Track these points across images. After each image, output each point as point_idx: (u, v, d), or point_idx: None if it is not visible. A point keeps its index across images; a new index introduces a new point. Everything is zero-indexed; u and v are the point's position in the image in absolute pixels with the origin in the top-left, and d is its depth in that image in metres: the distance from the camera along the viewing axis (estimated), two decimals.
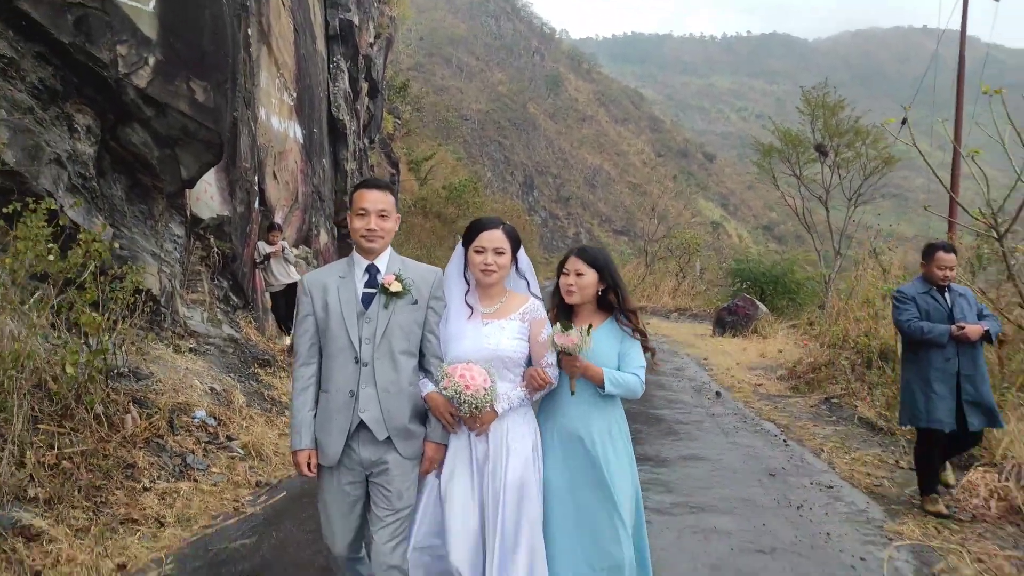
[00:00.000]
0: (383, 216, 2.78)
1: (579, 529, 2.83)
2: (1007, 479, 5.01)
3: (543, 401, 3.01)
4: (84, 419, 4.75)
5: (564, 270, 3.03)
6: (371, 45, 21.91)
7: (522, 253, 3.03)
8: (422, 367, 2.88)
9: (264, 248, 9.95)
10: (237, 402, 6.60)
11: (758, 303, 17.98)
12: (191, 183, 7.41)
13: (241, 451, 5.78)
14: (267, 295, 10.36)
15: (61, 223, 5.35)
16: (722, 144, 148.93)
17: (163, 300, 7.06)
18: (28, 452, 4.18)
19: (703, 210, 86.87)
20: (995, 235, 6.83)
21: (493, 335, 2.83)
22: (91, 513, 4.21)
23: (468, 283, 2.95)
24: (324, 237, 15.33)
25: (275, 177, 11.61)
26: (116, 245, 6.26)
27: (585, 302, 3.01)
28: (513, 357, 2.82)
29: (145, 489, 4.70)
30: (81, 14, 5.70)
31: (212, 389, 6.51)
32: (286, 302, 10.16)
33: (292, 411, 2.84)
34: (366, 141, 22.07)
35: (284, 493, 5.27)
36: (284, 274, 10.09)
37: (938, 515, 4.81)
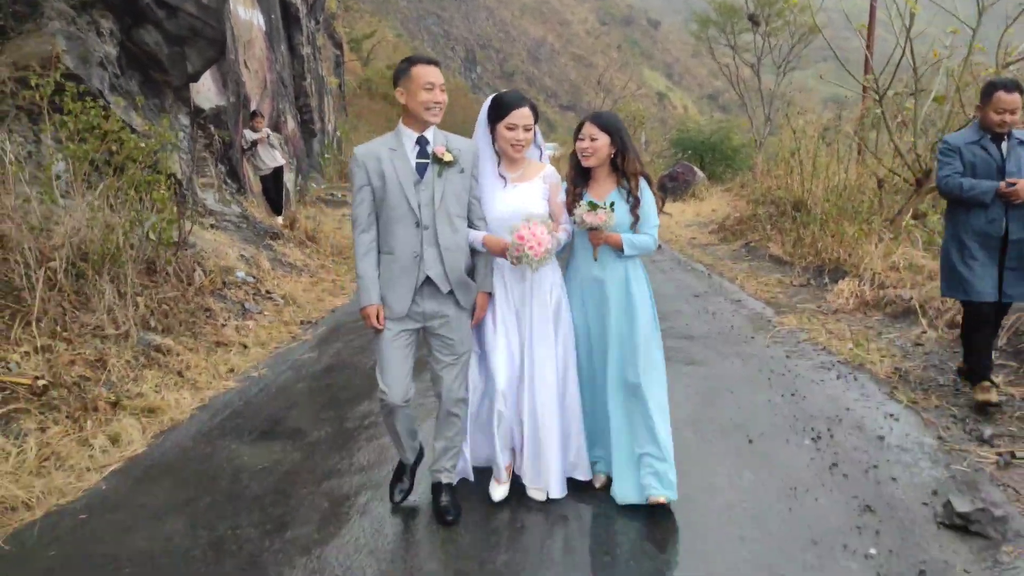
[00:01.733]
0: (443, 89, 2.98)
1: (604, 356, 3.25)
2: (862, 284, 6.83)
3: (569, 259, 3.38)
4: (166, 276, 6.09)
5: (580, 135, 3.24)
6: None
7: (537, 127, 3.30)
8: (470, 227, 3.14)
9: (250, 135, 10.92)
10: (264, 266, 7.96)
11: (696, 169, 19.59)
12: (195, 77, 8.37)
13: (281, 300, 7.23)
14: (256, 178, 11.43)
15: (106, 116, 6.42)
16: (666, 9, 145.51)
17: (184, 183, 8.20)
18: (139, 298, 5.54)
19: (648, 80, 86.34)
20: (876, 94, 8.38)
21: (523, 198, 3.16)
22: (192, 339, 5.65)
23: (497, 155, 3.22)
24: (291, 123, 16.10)
25: (246, 66, 12.32)
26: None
27: (600, 164, 3.24)
28: (540, 214, 3.12)
29: (222, 325, 6.14)
30: None
31: (242, 256, 7.84)
32: (275, 183, 11.29)
33: (358, 272, 3.04)
34: (313, 23, 22.13)
35: (323, 327, 6.80)
36: (271, 158, 11.14)
37: (988, 404, 4.13)
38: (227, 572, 2.86)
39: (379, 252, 3.01)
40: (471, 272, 3.11)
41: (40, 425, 3.94)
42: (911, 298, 6.12)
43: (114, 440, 4.03)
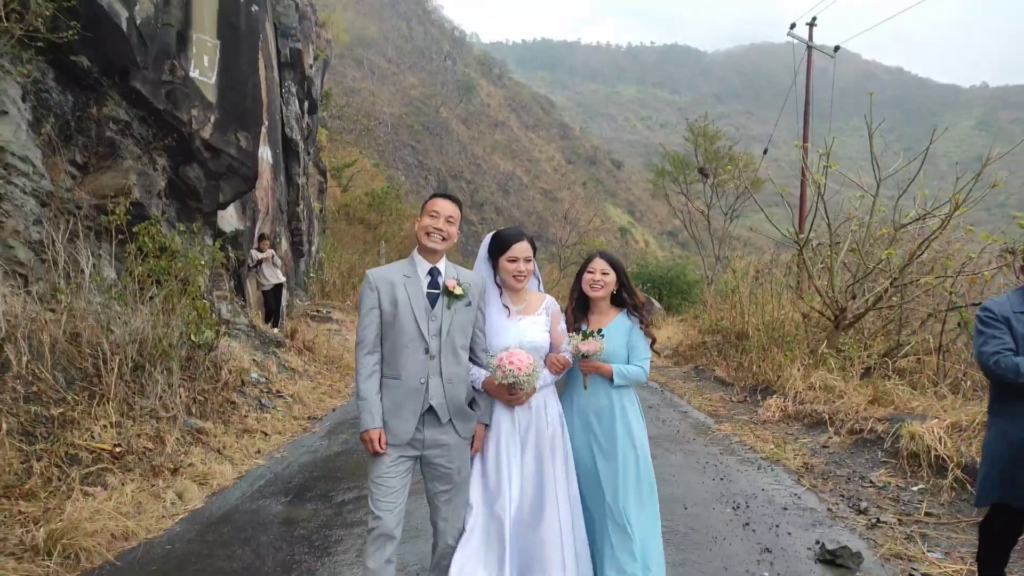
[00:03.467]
0: (450, 221, 3.09)
1: (601, 488, 3.26)
2: (786, 401, 8.15)
3: (564, 388, 3.47)
4: (201, 373, 7.14)
5: (590, 269, 3.42)
6: (310, 67, 24.01)
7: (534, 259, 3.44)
8: (471, 360, 3.20)
9: (256, 255, 12.22)
10: (272, 369, 9.03)
11: (654, 301, 21.36)
12: (224, 206, 9.76)
13: (290, 398, 8.26)
14: (257, 293, 12.62)
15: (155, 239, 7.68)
16: (629, 152, 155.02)
17: (205, 295, 9.36)
18: (181, 389, 6.58)
19: (612, 216, 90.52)
20: (797, 246, 10.08)
21: (527, 329, 3.26)
22: (224, 425, 6.65)
23: (498, 287, 3.35)
24: (284, 243, 17.50)
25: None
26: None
27: (605, 297, 3.43)
28: (543, 346, 3.26)
29: (245, 415, 7.15)
30: (170, 88, 8.03)
31: (253, 360, 8.91)
32: (275, 298, 12.49)
33: (360, 394, 3.00)
34: (306, 155, 24.14)
35: (328, 422, 7.82)
36: (274, 276, 12.41)
37: None
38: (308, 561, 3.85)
39: (382, 376, 3.03)
40: (471, 403, 3.15)
41: (121, 481, 4.91)
42: (823, 411, 7.43)
43: (180, 495, 5.00)
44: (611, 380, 3.29)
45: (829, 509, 5.12)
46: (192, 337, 7.11)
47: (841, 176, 11.00)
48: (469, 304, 3.12)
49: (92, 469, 4.89)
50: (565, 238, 40.18)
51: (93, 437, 5.23)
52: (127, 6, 6.92)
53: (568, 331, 3.35)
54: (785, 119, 18.23)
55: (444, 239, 3.07)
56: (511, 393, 3.12)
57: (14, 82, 6.61)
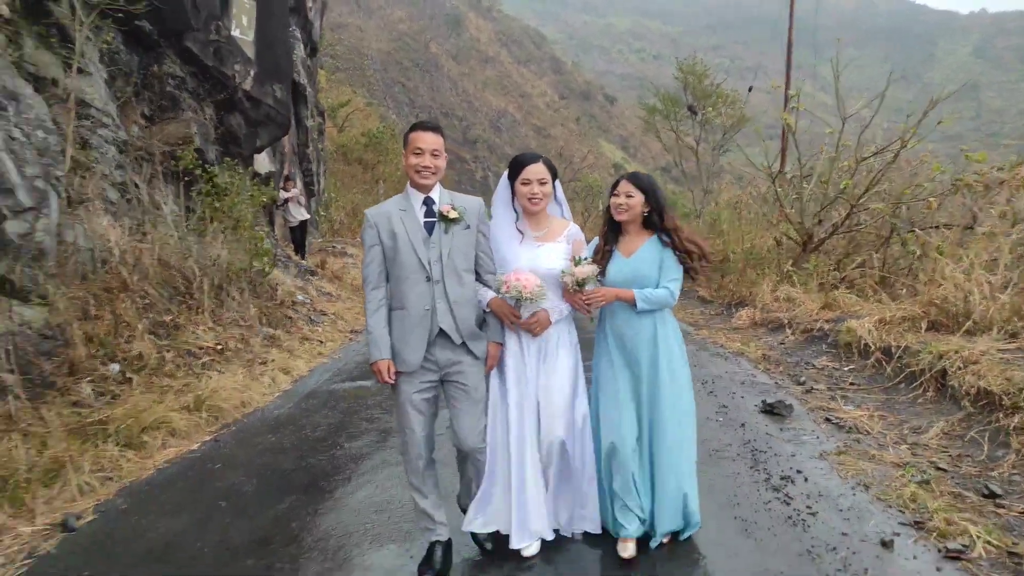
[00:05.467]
0: (435, 155, 3.10)
1: (628, 404, 3.27)
2: (755, 311, 9.59)
3: (599, 318, 3.44)
4: (262, 292, 8.50)
5: (615, 192, 3.33)
6: (311, 9, 24.61)
7: (558, 183, 3.38)
8: (479, 281, 3.24)
9: (283, 194, 13.44)
10: (312, 293, 10.39)
11: None
12: (260, 150, 10.95)
13: (332, 316, 9.66)
14: (285, 228, 13.89)
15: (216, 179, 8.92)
16: (622, 86, 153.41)
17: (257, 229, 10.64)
18: (250, 306, 7.94)
19: (605, 152, 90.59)
20: (770, 178, 11.36)
21: (545, 256, 3.23)
22: (287, 335, 8.05)
23: (516, 212, 3.32)
24: (299, 183, 18.64)
25: None
26: None
27: (633, 220, 3.32)
28: (556, 272, 3.20)
29: (300, 328, 8.55)
30: (217, 46, 9.12)
31: (296, 285, 10.26)
32: (300, 233, 13.77)
33: (368, 328, 3.09)
34: (312, 97, 24.95)
35: (362, 336, 9.23)
36: (300, 213, 13.67)
37: None
38: (380, 420, 5.30)
39: (390, 309, 3.12)
40: (481, 324, 3.22)
41: (226, 370, 6.32)
42: (783, 317, 8.87)
43: (273, 380, 6.44)
44: (635, 306, 3.23)
45: (776, 383, 6.58)
46: (254, 263, 8.44)
47: (832, 108, 12.19)
48: (468, 227, 3.18)
49: (204, 360, 6.29)
50: (560, 175, 41.07)
51: (198, 337, 6.62)
52: None
53: (585, 258, 3.24)
54: (779, 51, 19.12)
55: (434, 173, 3.12)
56: (520, 318, 3.16)
57: (93, 47, 7.73)
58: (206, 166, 8.58)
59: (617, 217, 3.33)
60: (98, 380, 5.16)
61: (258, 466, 4.58)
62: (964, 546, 3.36)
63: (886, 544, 3.42)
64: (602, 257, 3.35)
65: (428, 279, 3.08)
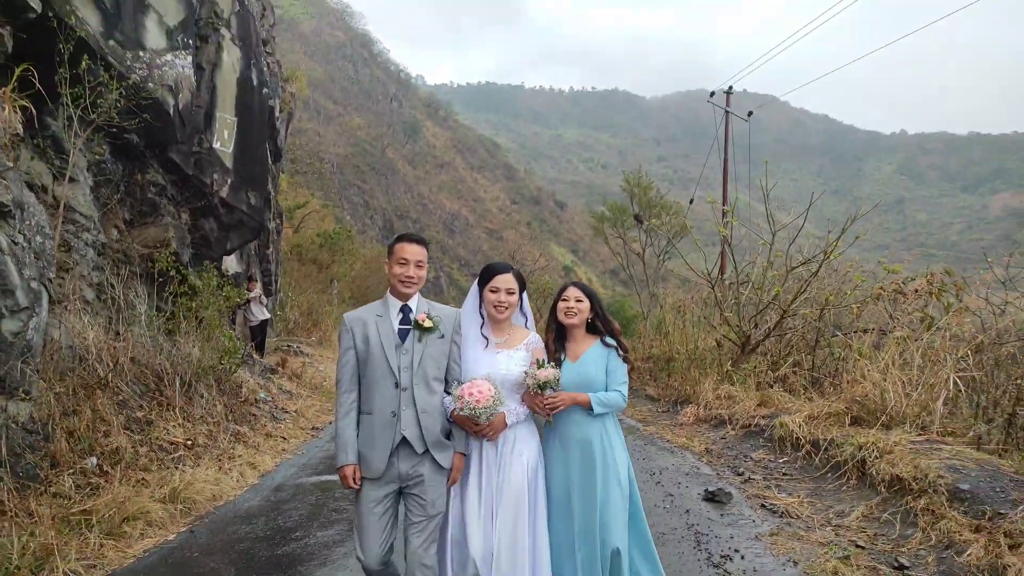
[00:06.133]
0: (419, 265, 3.21)
1: (579, 519, 3.28)
2: (698, 408, 10.21)
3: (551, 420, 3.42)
4: (228, 390, 8.76)
5: (564, 297, 3.49)
6: (278, 119, 25.75)
7: (524, 294, 3.49)
8: (446, 391, 3.26)
9: (246, 294, 13.79)
10: (273, 391, 10.63)
11: None
12: (230, 253, 11.41)
13: (294, 414, 9.91)
14: (246, 327, 14.15)
15: (188, 280, 9.33)
16: (572, 192, 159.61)
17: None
18: (218, 403, 8.20)
19: (556, 255, 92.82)
20: (710, 284, 12.28)
21: (503, 363, 3.30)
22: (251, 431, 8.28)
23: (483, 317, 3.41)
24: (259, 284, 18.99)
25: None
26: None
27: (579, 325, 3.47)
28: (520, 381, 3.28)
29: (264, 425, 8.78)
30: (198, 157, 9.74)
31: (259, 383, 10.51)
32: (261, 333, 14.05)
33: (337, 431, 3.16)
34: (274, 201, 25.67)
35: (328, 432, 9.49)
36: (260, 312, 14.00)
37: None
38: (349, 511, 5.60)
39: (360, 412, 3.17)
40: (448, 434, 3.23)
41: (197, 464, 6.55)
42: (724, 414, 9.49)
43: (241, 474, 6.67)
44: (590, 410, 3.31)
45: (718, 473, 7.11)
46: (222, 362, 8.75)
47: (772, 217, 13.33)
48: (442, 337, 3.24)
49: (175, 454, 6.52)
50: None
51: (169, 433, 6.86)
52: (173, 95, 8.65)
53: (547, 361, 3.36)
54: (719, 163, 20.71)
55: (416, 283, 3.25)
56: (475, 425, 3.17)
57: (84, 158, 8.26)
58: (180, 268, 9.00)
59: (567, 321, 3.47)
60: (78, 473, 5.38)
61: (234, 554, 4.83)
62: None
63: None
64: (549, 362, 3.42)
65: (396, 385, 3.14)
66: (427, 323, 3.21)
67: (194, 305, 8.72)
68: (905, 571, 4.41)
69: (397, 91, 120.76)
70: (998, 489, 5.02)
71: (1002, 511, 4.69)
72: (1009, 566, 4.08)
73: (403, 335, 3.21)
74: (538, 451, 3.38)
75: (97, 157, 8.19)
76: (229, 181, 10.26)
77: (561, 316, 3.51)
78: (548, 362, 3.34)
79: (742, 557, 4.74)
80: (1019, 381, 6.65)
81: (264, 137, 11.48)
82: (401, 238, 3.29)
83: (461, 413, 3.11)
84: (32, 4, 6.05)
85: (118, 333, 7.85)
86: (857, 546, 4.89)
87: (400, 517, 3.22)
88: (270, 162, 20.82)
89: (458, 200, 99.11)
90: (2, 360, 5.26)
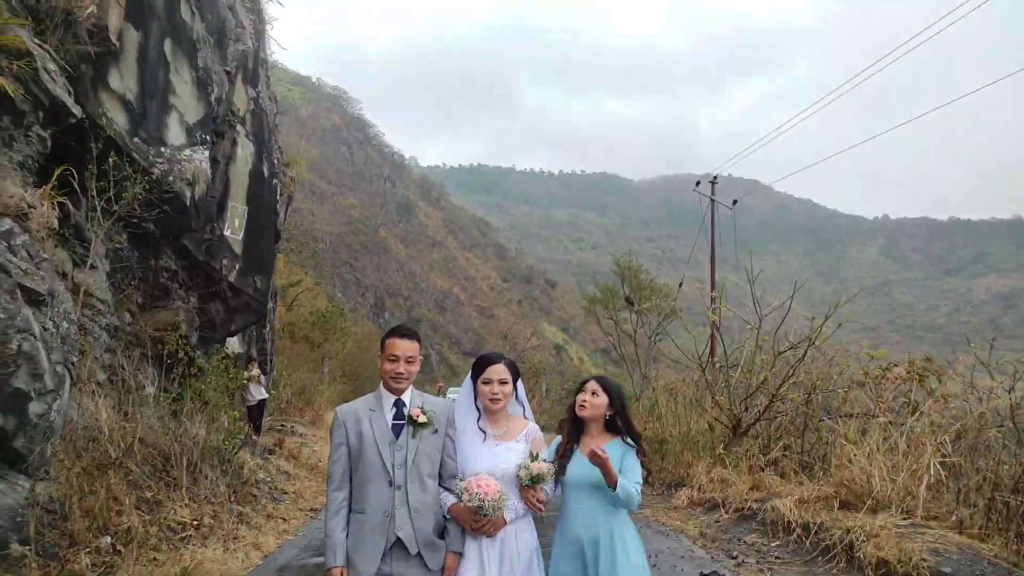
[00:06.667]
0: (410, 361, 3.16)
1: None
2: (692, 491, 10.38)
3: (558, 520, 3.42)
4: (231, 471, 8.93)
5: (582, 389, 3.43)
6: (278, 203, 26.53)
7: (520, 383, 3.43)
8: (441, 486, 3.18)
9: (244, 374, 14.00)
10: (272, 472, 10.75)
11: None
12: (234, 334, 11.73)
13: (293, 494, 10.01)
14: (243, 407, 14.30)
15: (194, 359, 9.61)
16: (562, 271, 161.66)
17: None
18: (221, 484, 8.36)
19: (547, 333, 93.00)
20: (700, 367, 12.62)
21: (503, 455, 3.23)
22: (253, 511, 8.40)
23: (479, 410, 3.34)
24: (256, 364, 19.19)
25: None
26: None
27: (595, 420, 3.38)
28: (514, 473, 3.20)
29: (264, 505, 8.90)
30: (209, 244, 10.20)
31: (257, 463, 10.64)
32: (258, 413, 14.21)
33: (326, 531, 3.05)
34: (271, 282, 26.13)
35: (322, 513, 9.58)
36: (258, 392, 14.18)
37: None
38: None
39: (350, 511, 3.09)
40: (441, 533, 3.14)
41: (203, 544, 6.69)
42: (718, 497, 9.68)
43: (246, 554, 6.80)
44: (613, 487, 3.18)
45: (712, 557, 7.28)
46: (225, 442, 8.94)
47: (758, 302, 13.78)
48: (436, 431, 3.19)
49: (183, 535, 6.67)
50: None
51: (175, 513, 7.01)
52: (190, 187, 9.17)
53: (559, 453, 3.36)
54: (707, 244, 21.43)
55: (407, 379, 3.20)
56: (477, 521, 3.09)
57: (102, 245, 8.69)
58: (188, 350, 9.30)
59: (579, 413, 3.39)
60: (93, 551, 5.54)
61: None
62: None
63: None
64: (563, 455, 3.38)
65: (391, 483, 3.06)
66: (422, 418, 3.16)
67: (201, 386, 8.96)
68: None
69: (391, 172, 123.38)
70: (977, 572, 5.28)
71: None
72: None
73: (397, 430, 3.16)
74: (535, 546, 3.31)
75: (116, 245, 8.63)
76: (237, 266, 10.69)
77: (577, 409, 3.43)
78: (544, 457, 3.28)
79: None
80: (997, 467, 6.96)
81: (272, 224, 12.01)
82: (392, 333, 3.25)
83: (470, 504, 3.05)
84: (74, 111, 6.58)
85: (126, 414, 8.09)
86: None
87: None
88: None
89: (449, 279, 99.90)
90: (29, 442, 5.50)
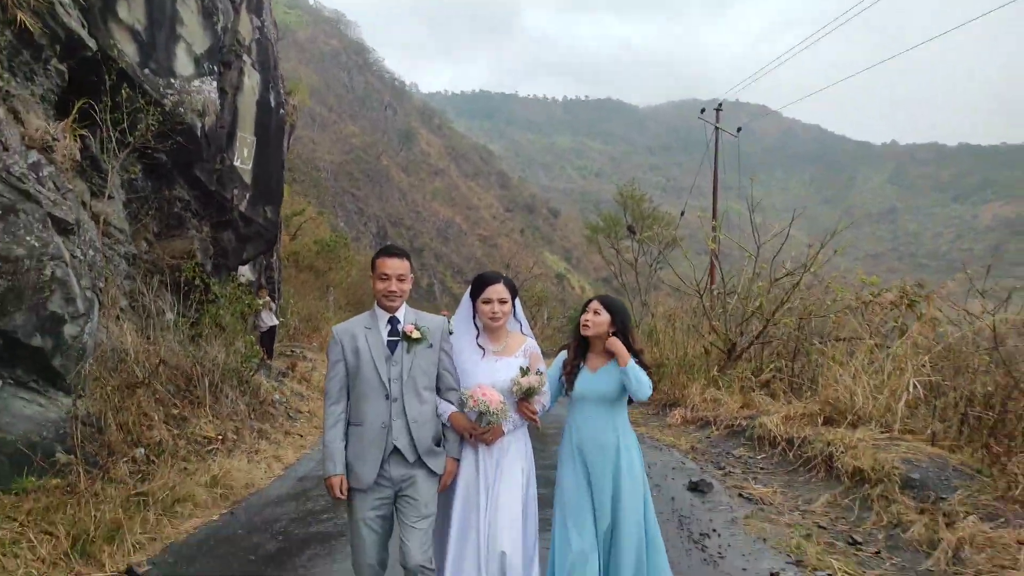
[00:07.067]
0: (401, 279, 3.24)
1: (600, 521, 3.38)
2: (686, 411, 10.91)
3: (564, 427, 3.61)
4: (249, 391, 9.42)
5: (585, 309, 3.54)
6: (284, 132, 26.46)
7: (517, 300, 3.50)
8: (440, 397, 3.33)
9: (257, 302, 14.43)
10: (286, 393, 11.29)
11: None
12: (246, 262, 12.08)
13: (308, 414, 10.57)
14: (256, 333, 14.79)
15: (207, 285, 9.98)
16: (565, 200, 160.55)
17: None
18: (240, 403, 8.85)
19: (549, 263, 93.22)
20: (698, 294, 13.00)
21: (503, 370, 3.34)
22: (272, 428, 8.93)
23: (477, 328, 3.46)
24: (267, 291, 19.64)
25: None
26: None
27: (598, 337, 3.49)
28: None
29: (282, 424, 9.44)
30: (219, 174, 10.42)
31: (272, 386, 11.16)
32: (270, 338, 14.70)
33: (324, 442, 3.17)
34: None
35: None
36: (270, 319, 14.64)
37: None
38: None
39: (348, 424, 3.21)
40: (439, 440, 3.27)
41: (228, 456, 7.21)
42: (710, 416, 10.21)
43: (268, 466, 7.33)
44: (624, 363, 3.33)
45: (701, 468, 7.81)
46: (243, 365, 9.40)
47: (758, 226, 14.04)
48: (431, 346, 3.28)
49: (209, 448, 7.18)
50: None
51: (201, 428, 7.51)
52: (200, 118, 9.34)
53: (566, 371, 3.51)
54: (709, 175, 21.46)
55: (399, 296, 3.27)
56: (478, 429, 3.23)
57: (118, 176, 8.93)
58: (204, 277, 9.67)
59: (583, 332, 3.51)
60: (130, 461, 6.03)
61: (274, 531, 5.50)
62: (829, 574, 4.57)
63: (774, 575, 4.59)
64: (570, 370, 3.53)
65: (387, 396, 3.17)
66: (415, 334, 3.25)
67: (218, 312, 9.36)
68: (858, 546, 5.12)
69: (391, 99, 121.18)
70: (943, 478, 5.74)
71: (944, 496, 5.42)
72: (943, 539, 4.79)
73: (392, 346, 3.25)
74: (530, 459, 3.43)
75: (131, 176, 8.87)
76: (248, 196, 10.94)
77: (582, 328, 3.54)
78: (528, 370, 3.36)
79: (719, 535, 5.44)
80: (972, 385, 7.38)
81: (280, 154, 12.17)
82: (381, 252, 3.32)
83: (473, 410, 3.20)
84: (89, 43, 6.73)
85: (148, 337, 8.51)
86: (819, 527, 5.60)
87: (394, 527, 3.27)
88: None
89: (452, 207, 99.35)
90: (66, 361, 5.92)
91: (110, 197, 8.67)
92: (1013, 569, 4.24)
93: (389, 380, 3.17)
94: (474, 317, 3.47)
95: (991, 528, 4.77)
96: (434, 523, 3.25)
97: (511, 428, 3.34)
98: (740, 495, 6.64)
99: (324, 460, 3.16)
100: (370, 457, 3.12)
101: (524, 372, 3.33)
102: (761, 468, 7.64)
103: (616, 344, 3.39)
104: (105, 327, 7.41)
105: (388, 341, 3.24)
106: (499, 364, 3.38)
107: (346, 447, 3.18)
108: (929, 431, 7.14)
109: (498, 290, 3.37)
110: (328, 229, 49.44)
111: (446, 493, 3.32)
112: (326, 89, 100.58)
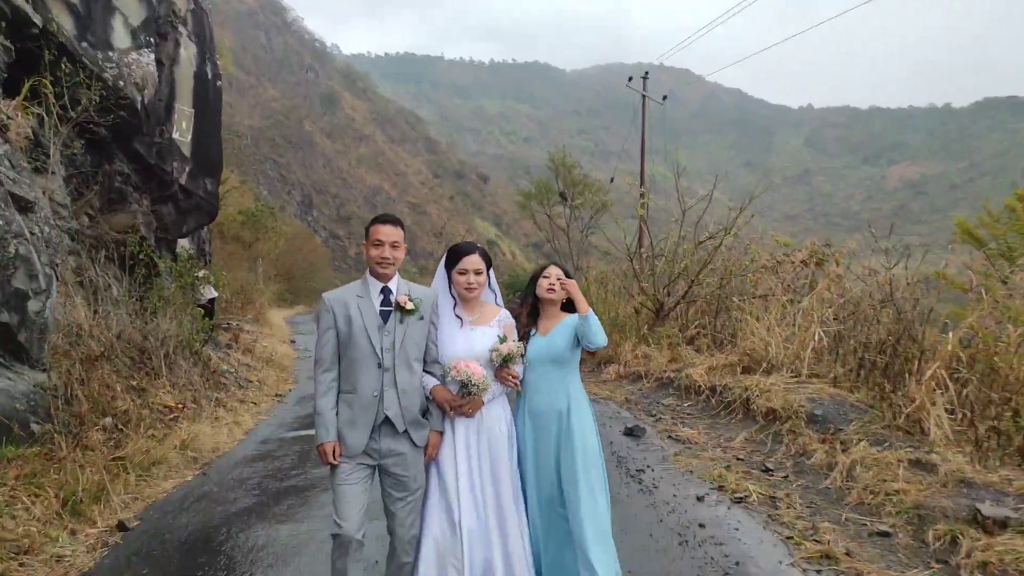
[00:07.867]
0: (395, 246, 3.28)
1: (550, 488, 3.44)
2: (619, 367, 11.71)
3: (518, 395, 3.59)
4: (199, 362, 9.65)
5: (546, 274, 3.63)
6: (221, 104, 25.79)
7: (491, 271, 3.57)
8: (424, 370, 3.36)
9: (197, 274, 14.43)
10: (234, 364, 11.52)
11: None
12: (186, 235, 12.11)
13: (257, 383, 10.85)
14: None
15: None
16: (494, 166, 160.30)
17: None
18: (193, 373, 9.09)
19: (480, 229, 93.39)
20: (628, 257, 13.77)
21: (479, 340, 3.40)
22: (226, 397, 9.23)
23: (454, 298, 3.49)
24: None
25: None
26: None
27: (557, 302, 3.63)
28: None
29: (233, 393, 9.73)
30: (159, 147, 10.42)
31: (220, 357, 11.37)
32: (210, 311, 14.75)
33: (317, 409, 3.22)
34: None
35: (292, 397, 10.50)
36: (208, 291, 14.64)
37: None
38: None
39: (339, 392, 3.23)
40: (424, 413, 3.31)
41: (191, 423, 7.52)
42: (641, 370, 11.03)
43: (230, 431, 7.69)
44: (585, 312, 3.36)
45: (635, 416, 8.59)
46: (194, 337, 9.61)
47: (685, 190, 14.84)
48: (422, 318, 3.31)
49: (171, 416, 7.47)
50: (435, 252, 42.90)
51: (160, 399, 7.78)
52: (139, 91, 9.33)
53: (519, 335, 3.50)
54: (639, 136, 22.18)
55: (392, 264, 3.29)
56: (459, 400, 3.27)
57: (59, 152, 8.90)
58: (149, 251, 9.75)
59: (549, 297, 3.56)
60: (101, 430, 6.30)
61: (249, 487, 5.93)
62: (745, 495, 5.35)
63: (700, 499, 5.35)
64: (523, 336, 3.54)
65: (379, 366, 3.20)
66: (409, 305, 3.27)
67: (164, 285, 9.50)
68: (770, 472, 5.94)
69: (312, 61, 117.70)
70: (841, 413, 6.64)
71: (841, 427, 6.30)
72: (839, 462, 5.64)
73: (385, 316, 3.26)
74: (509, 423, 3.47)
75: (72, 152, 8.85)
76: (188, 168, 10.97)
77: (542, 292, 3.58)
78: (505, 338, 3.41)
79: (652, 471, 6.18)
80: (869, 333, 8.35)
81: (218, 126, 12.16)
82: (375, 220, 3.33)
83: (457, 379, 3.22)
84: (35, 20, 6.75)
85: (96, 312, 8.63)
86: (738, 459, 6.42)
87: (377, 494, 3.30)
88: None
89: (379, 174, 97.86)
90: (30, 335, 6.11)
91: (52, 173, 8.66)
92: (893, 482, 5.09)
93: (382, 350, 3.20)
94: (450, 288, 3.50)
95: (878, 451, 5.64)
96: (422, 496, 3.29)
97: (491, 398, 3.38)
98: (670, 437, 7.42)
99: (316, 426, 3.21)
100: (361, 425, 3.17)
101: (502, 339, 3.40)
102: (688, 414, 8.46)
103: (576, 289, 3.46)
104: (61, 303, 7.54)
105: (380, 311, 3.27)
106: (475, 333, 3.42)
107: (337, 415, 3.21)
108: (832, 375, 8.08)
109: (473, 261, 3.41)
110: (252, 198, 47.96)
111: (438, 461, 3.36)
112: (242, 51, 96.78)
